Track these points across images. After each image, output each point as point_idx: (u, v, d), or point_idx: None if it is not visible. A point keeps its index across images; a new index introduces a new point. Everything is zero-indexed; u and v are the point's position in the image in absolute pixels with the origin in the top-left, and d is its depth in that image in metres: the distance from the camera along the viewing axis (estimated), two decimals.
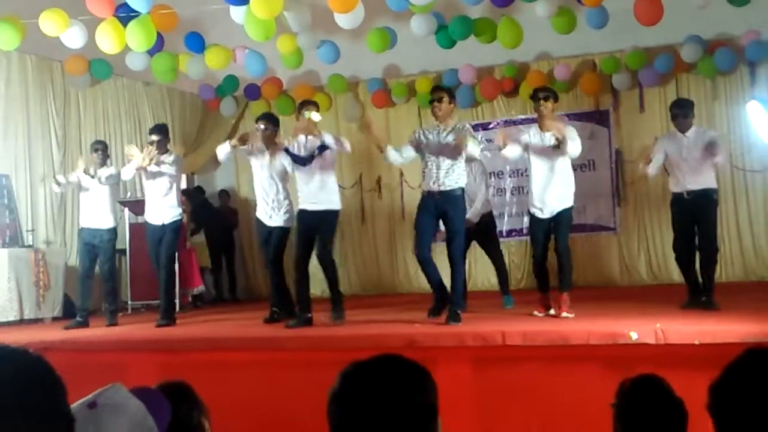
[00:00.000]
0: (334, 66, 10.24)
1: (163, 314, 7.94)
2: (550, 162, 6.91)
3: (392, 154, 7.04)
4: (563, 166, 6.93)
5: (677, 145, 7.10)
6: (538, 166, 6.97)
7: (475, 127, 11.12)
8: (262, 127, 7.70)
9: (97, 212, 8.32)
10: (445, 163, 6.76)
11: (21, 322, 8.68)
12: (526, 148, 7.00)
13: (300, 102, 7.97)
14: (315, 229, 7.25)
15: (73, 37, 8.06)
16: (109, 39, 7.88)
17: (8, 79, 9.57)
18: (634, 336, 5.16)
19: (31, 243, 9.42)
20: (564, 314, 6.66)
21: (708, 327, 5.33)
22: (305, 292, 7.28)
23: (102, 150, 8.59)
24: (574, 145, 6.81)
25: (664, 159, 7.15)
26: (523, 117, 10.88)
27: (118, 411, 1.83)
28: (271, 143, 7.66)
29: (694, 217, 7.03)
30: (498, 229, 11.13)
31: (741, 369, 1.77)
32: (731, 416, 1.72)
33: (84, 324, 8.09)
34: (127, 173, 8.24)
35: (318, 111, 7.37)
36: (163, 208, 8.11)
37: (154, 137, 8.09)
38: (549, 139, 6.87)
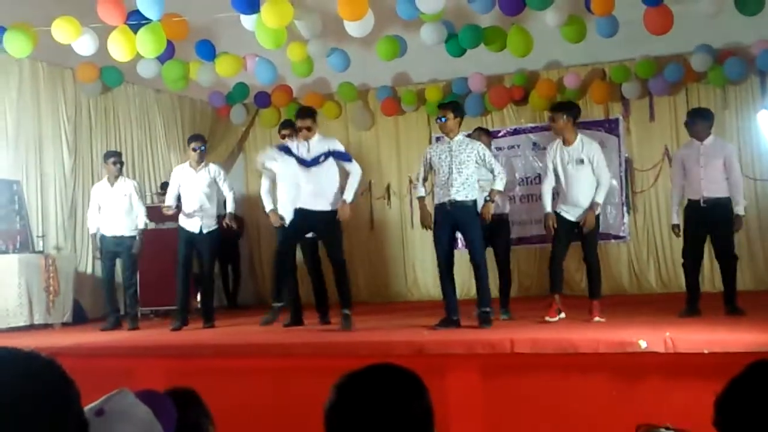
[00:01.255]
0: (344, 74, 10.26)
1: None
2: (576, 175, 7.10)
3: (421, 191, 7.30)
4: (589, 178, 7.08)
5: (694, 152, 7.16)
6: (567, 173, 7.12)
7: None
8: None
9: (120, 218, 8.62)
10: (458, 180, 6.87)
11: (31, 328, 8.71)
12: (555, 171, 7.19)
13: (298, 108, 8.05)
14: (311, 227, 7.38)
15: (85, 44, 8.12)
16: (120, 47, 7.92)
17: (20, 86, 9.62)
18: (643, 344, 5.15)
19: (41, 249, 9.46)
20: (596, 319, 6.84)
21: (717, 336, 5.31)
22: (283, 285, 7.69)
23: (118, 161, 8.81)
24: (604, 184, 7.11)
25: (682, 172, 7.26)
26: (532, 125, 10.88)
27: (125, 418, 1.83)
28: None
29: (709, 226, 7.04)
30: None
31: (745, 383, 1.75)
32: (736, 430, 1.70)
33: (118, 324, 8.51)
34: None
35: (315, 118, 7.46)
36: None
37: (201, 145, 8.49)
38: (575, 155, 7.08)
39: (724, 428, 1.73)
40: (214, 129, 12.29)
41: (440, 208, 6.98)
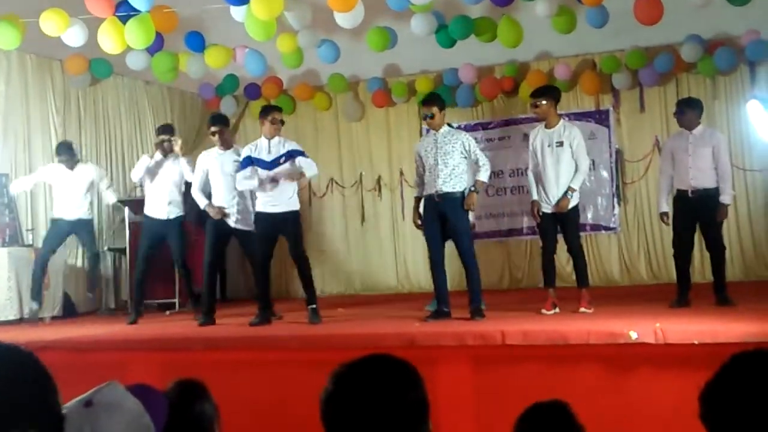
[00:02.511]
0: (334, 65, 10.23)
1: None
2: (552, 160, 7.06)
3: (416, 190, 7.38)
4: (568, 161, 7.06)
5: (683, 142, 7.18)
6: (545, 156, 7.12)
7: (475, 127, 11.16)
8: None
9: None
10: (444, 171, 6.93)
11: (21, 321, 8.68)
12: (534, 153, 7.21)
13: (263, 107, 8.08)
14: (278, 230, 7.43)
15: (73, 36, 8.07)
16: (109, 38, 7.88)
17: (8, 79, 9.56)
18: (633, 335, 5.16)
19: (30, 242, 9.42)
20: (582, 309, 6.84)
21: (707, 327, 5.32)
22: (268, 291, 7.58)
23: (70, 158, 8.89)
24: (583, 170, 7.11)
25: (671, 162, 7.27)
26: (523, 116, 10.87)
27: (113, 409, 1.82)
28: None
29: (697, 217, 7.06)
30: (498, 228, 11.20)
31: (728, 375, 1.75)
32: (723, 423, 1.70)
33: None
34: None
35: (282, 115, 7.63)
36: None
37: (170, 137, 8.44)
38: (555, 138, 7.08)
39: (710, 421, 1.73)
40: (204, 121, 12.21)
41: (429, 199, 7.07)
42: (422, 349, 5.45)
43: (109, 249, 10.55)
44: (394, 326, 6.65)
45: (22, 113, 9.69)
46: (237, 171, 7.56)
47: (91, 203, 9.25)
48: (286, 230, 7.47)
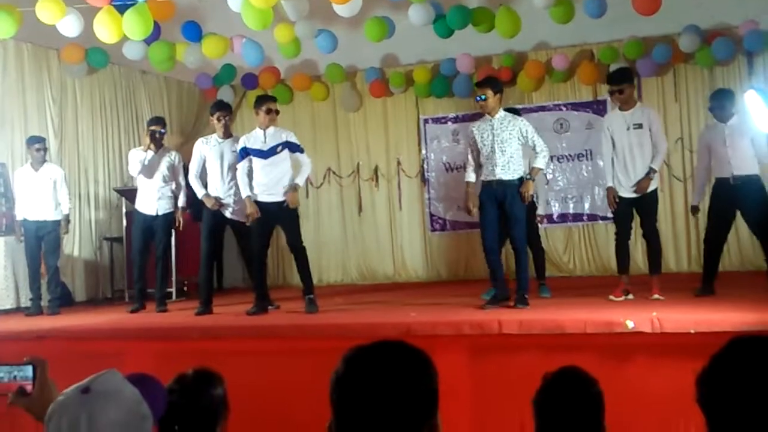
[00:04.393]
0: (332, 55, 10.20)
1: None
2: (630, 142, 7.01)
3: (471, 176, 7.14)
4: (647, 146, 6.99)
5: (719, 134, 7.16)
6: (620, 146, 7.05)
7: (473, 117, 11.13)
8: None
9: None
10: (502, 159, 6.84)
11: (18, 310, 8.68)
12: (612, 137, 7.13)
13: (257, 97, 8.09)
14: (274, 220, 7.47)
15: (70, 25, 8.03)
16: (106, 28, 7.85)
17: (4, 68, 9.53)
18: (630, 325, 5.18)
19: None
20: (655, 296, 6.77)
21: (703, 316, 5.34)
22: (264, 281, 7.59)
23: (42, 147, 8.81)
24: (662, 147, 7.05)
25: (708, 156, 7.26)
26: (521, 107, 10.85)
27: (111, 397, 1.83)
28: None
29: (739, 204, 7.03)
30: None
31: (725, 359, 1.76)
32: (719, 407, 1.71)
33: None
34: None
35: (276, 105, 7.67)
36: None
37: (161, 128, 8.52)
38: (630, 120, 7.02)
39: (707, 404, 1.74)
40: (201, 111, 12.22)
41: (486, 186, 6.94)
42: (419, 338, 5.46)
43: (105, 238, 10.53)
44: (390, 315, 6.67)
45: (18, 103, 9.66)
46: (236, 162, 7.59)
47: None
48: (282, 220, 7.48)
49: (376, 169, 11.83)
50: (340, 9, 8.06)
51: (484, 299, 7.03)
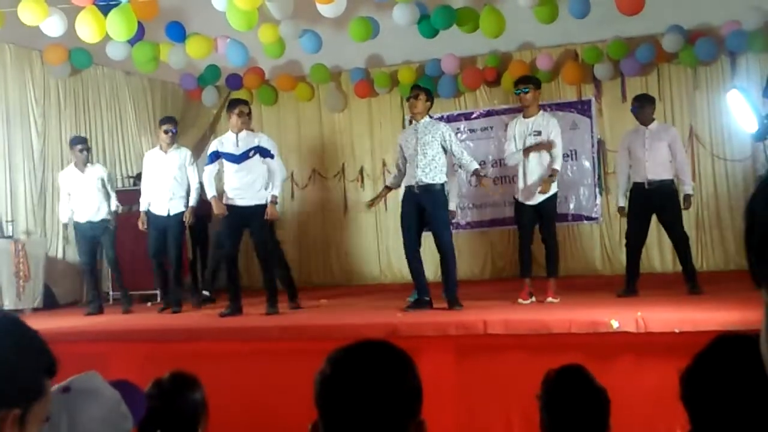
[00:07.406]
0: (317, 56, 10.20)
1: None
2: (534, 151, 7.13)
3: (389, 179, 7.54)
4: (544, 154, 7.12)
5: (640, 138, 7.38)
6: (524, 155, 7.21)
7: (458, 117, 11.18)
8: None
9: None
10: (422, 161, 6.92)
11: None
12: (513, 138, 7.31)
13: (230, 100, 8.07)
14: (244, 223, 7.50)
15: (53, 25, 7.99)
16: (89, 28, 7.81)
17: None
18: (615, 324, 5.19)
19: (11, 234, 9.35)
20: (549, 299, 6.92)
21: (688, 315, 5.36)
22: (238, 283, 7.62)
23: (85, 148, 8.75)
24: (557, 157, 7.20)
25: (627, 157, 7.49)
26: (505, 107, 10.88)
27: (91, 396, 1.83)
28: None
29: (655, 208, 7.22)
30: (480, 218, 11.22)
31: (709, 357, 1.77)
32: (703, 404, 1.72)
33: (101, 310, 8.49)
34: None
35: (248, 107, 7.75)
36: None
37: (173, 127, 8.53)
38: (531, 128, 7.19)
39: (690, 402, 1.75)
40: (186, 112, 12.17)
41: (408, 190, 7.08)
42: (404, 339, 5.45)
43: None
44: (376, 316, 6.66)
45: (1, 104, 9.60)
46: (206, 165, 7.62)
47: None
48: (251, 224, 7.50)
49: (361, 170, 11.82)
50: (324, 9, 8.06)
51: (410, 301, 7.18)
